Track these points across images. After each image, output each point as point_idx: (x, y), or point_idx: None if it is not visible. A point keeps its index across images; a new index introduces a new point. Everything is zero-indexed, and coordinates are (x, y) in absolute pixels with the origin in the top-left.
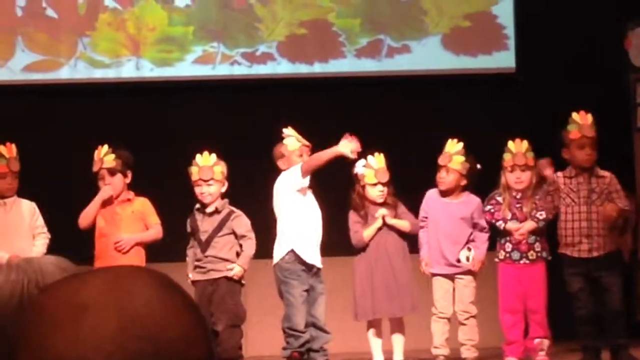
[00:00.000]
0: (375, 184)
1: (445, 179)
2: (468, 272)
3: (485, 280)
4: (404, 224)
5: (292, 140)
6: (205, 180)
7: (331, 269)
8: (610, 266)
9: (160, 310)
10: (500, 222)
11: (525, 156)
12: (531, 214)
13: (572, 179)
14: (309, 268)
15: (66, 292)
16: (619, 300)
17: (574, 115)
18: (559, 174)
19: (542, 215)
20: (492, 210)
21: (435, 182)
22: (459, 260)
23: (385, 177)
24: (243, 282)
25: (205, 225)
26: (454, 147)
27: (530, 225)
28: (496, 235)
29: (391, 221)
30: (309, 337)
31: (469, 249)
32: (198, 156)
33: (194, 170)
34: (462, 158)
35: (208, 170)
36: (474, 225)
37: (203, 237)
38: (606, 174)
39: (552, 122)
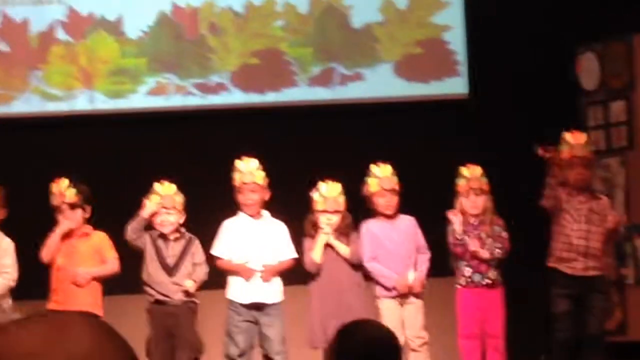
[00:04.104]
0: (323, 211)
1: (393, 201)
2: (416, 295)
3: (442, 306)
4: (343, 249)
5: (235, 175)
6: (167, 208)
7: (291, 298)
8: (598, 289)
9: (105, 354)
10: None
11: (480, 180)
12: (489, 240)
13: (573, 197)
14: (249, 307)
15: (8, 342)
16: (600, 324)
17: (567, 135)
18: (560, 189)
19: (499, 254)
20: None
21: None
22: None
23: (335, 206)
24: (196, 300)
25: (171, 250)
26: (387, 169)
27: (486, 254)
28: (453, 262)
29: (332, 241)
30: None
31: (414, 270)
32: (158, 185)
33: (155, 199)
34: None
35: (170, 199)
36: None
37: (170, 261)
38: (602, 197)
39: (506, 148)
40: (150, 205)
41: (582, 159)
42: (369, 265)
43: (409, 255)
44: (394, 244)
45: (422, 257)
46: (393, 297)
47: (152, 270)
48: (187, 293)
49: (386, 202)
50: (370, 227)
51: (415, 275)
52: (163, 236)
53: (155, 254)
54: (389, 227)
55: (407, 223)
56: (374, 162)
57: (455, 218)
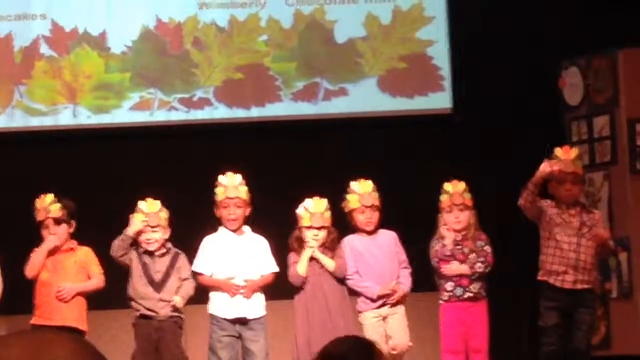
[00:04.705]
0: (309, 227)
1: (374, 217)
2: (397, 305)
3: (425, 322)
4: (329, 263)
5: (218, 190)
6: (152, 227)
7: (274, 313)
8: (587, 304)
9: None
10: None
11: (463, 196)
12: (472, 255)
13: (564, 210)
14: (233, 322)
15: None
16: (587, 340)
17: (557, 150)
18: (549, 201)
19: (480, 268)
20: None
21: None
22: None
23: (321, 222)
24: (182, 315)
25: (158, 265)
26: (367, 185)
27: (465, 269)
28: (436, 277)
29: (317, 254)
30: None
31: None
32: (142, 203)
33: (139, 217)
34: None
35: (155, 217)
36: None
37: (157, 277)
38: (595, 211)
39: (490, 163)
40: (135, 223)
41: (572, 175)
42: (349, 278)
43: (392, 270)
44: (375, 259)
45: (404, 272)
46: (376, 309)
47: (138, 286)
48: (174, 308)
49: (366, 218)
50: (351, 242)
51: (397, 285)
52: (149, 252)
53: (142, 270)
54: (370, 242)
55: (388, 237)
56: (357, 178)
57: (448, 234)
